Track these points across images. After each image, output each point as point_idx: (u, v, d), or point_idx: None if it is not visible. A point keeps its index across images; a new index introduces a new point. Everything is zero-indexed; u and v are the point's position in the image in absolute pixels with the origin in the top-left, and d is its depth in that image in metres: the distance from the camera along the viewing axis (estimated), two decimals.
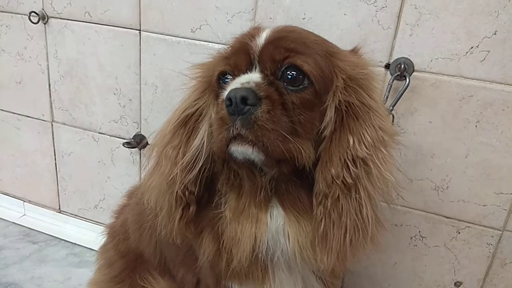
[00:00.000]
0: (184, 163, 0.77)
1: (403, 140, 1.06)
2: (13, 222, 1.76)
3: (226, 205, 0.79)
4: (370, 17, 1.06)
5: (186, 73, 0.83)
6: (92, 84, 1.47)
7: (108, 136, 1.52)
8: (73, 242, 1.65)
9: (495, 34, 0.97)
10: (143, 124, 1.45)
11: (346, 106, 0.70)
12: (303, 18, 1.12)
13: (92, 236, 1.47)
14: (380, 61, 1.08)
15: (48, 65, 1.52)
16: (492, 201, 1.09)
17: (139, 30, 1.33)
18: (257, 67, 0.71)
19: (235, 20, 1.20)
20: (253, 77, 0.69)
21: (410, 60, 1.05)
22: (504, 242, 1.12)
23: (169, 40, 1.30)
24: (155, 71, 1.35)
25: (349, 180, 0.68)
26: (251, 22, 1.18)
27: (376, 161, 0.69)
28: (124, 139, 1.49)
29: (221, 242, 0.79)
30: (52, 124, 1.61)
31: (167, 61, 1.32)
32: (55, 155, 1.66)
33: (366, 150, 0.68)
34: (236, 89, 0.65)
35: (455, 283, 1.21)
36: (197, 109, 0.80)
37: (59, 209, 1.76)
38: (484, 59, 1.00)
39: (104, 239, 1.25)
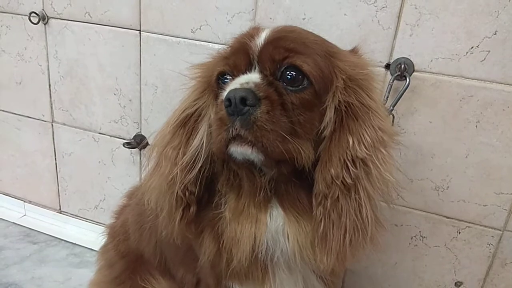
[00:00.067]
0: (184, 164, 0.77)
1: (403, 140, 1.06)
2: (14, 223, 1.76)
3: (226, 205, 0.79)
4: (370, 17, 1.06)
5: (186, 73, 0.83)
6: (92, 84, 1.47)
7: (108, 137, 1.52)
8: (74, 242, 1.65)
9: (495, 34, 0.97)
10: (143, 125, 1.45)
11: (345, 107, 0.70)
12: (303, 18, 1.12)
13: (93, 237, 1.47)
14: (380, 61, 1.08)
15: (48, 65, 1.52)
16: (492, 201, 1.09)
17: (139, 30, 1.33)
18: (257, 67, 0.71)
19: (235, 20, 1.20)
20: (253, 77, 0.69)
21: (410, 60, 1.05)
22: (505, 242, 1.12)
23: (169, 40, 1.30)
24: (155, 71, 1.35)
25: (349, 181, 0.68)
26: (251, 23, 1.18)
27: (376, 161, 0.68)
28: (124, 139, 1.49)
29: (221, 242, 0.79)
30: (52, 125, 1.61)
31: (167, 62, 1.32)
32: (55, 156, 1.66)
33: (366, 151, 0.68)
34: (235, 89, 0.65)
35: (455, 283, 1.21)
36: (196, 109, 0.80)
37: (60, 209, 1.76)
38: (484, 59, 1.00)
39: (104, 240, 1.25)
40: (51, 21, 1.45)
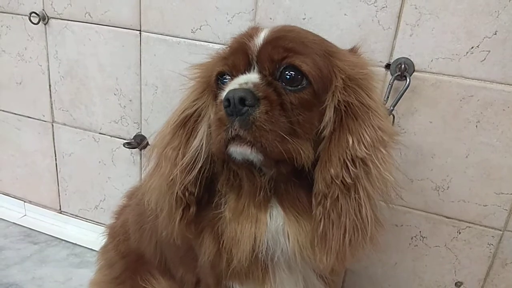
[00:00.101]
0: (183, 164, 0.77)
1: (404, 140, 1.06)
2: (14, 223, 1.76)
3: (225, 205, 0.79)
4: (370, 17, 1.06)
5: (185, 73, 0.83)
6: (93, 84, 1.47)
7: (109, 137, 1.52)
8: (74, 242, 1.66)
9: (495, 34, 0.97)
10: (144, 125, 1.45)
11: (345, 106, 0.70)
12: (303, 18, 1.12)
13: (93, 237, 1.47)
14: (381, 61, 1.08)
15: (48, 65, 1.52)
16: (492, 201, 1.09)
17: (140, 30, 1.33)
18: (256, 67, 0.71)
19: (235, 20, 1.20)
20: (252, 77, 0.69)
21: (411, 60, 1.05)
22: (505, 242, 1.12)
23: (169, 40, 1.30)
24: (155, 71, 1.35)
25: (348, 180, 0.68)
26: (251, 23, 1.18)
27: (376, 161, 0.68)
28: (124, 139, 1.49)
29: (221, 242, 0.79)
30: (52, 125, 1.61)
31: (168, 62, 1.32)
32: (55, 156, 1.66)
33: (366, 150, 0.68)
34: (234, 89, 0.65)
35: (455, 283, 1.21)
36: (196, 110, 0.80)
37: (60, 209, 1.76)
38: (485, 59, 1.00)
39: (104, 240, 1.25)
40: (51, 21, 1.45)
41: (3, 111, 1.68)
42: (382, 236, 0.75)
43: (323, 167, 0.70)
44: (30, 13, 1.43)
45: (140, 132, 1.46)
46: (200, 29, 1.25)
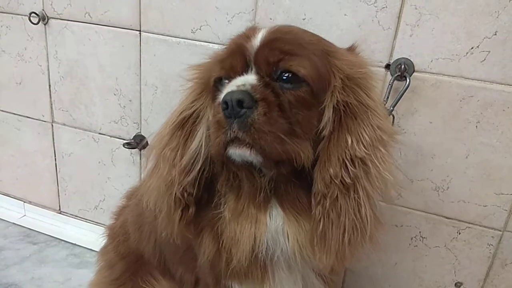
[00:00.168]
0: (182, 166, 0.77)
1: (404, 141, 1.07)
2: (13, 223, 1.76)
3: (225, 206, 0.79)
4: (370, 18, 1.06)
5: (184, 74, 0.83)
6: (92, 84, 1.47)
7: (108, 137, 1.52)
8: (73, 243, 1.65)
9: (495, 34, 0.97)
10: (143, 125, 1.45)
11: (344, 106, 0.70)
12: (303, 19, 1.12)
13: (93, 237, 1.47)
14: (381, 62, 1.08)
15: (48, 65, 1.52)
16: (492, 202, 1.09)
17: (139, 30, 1.33)
18: (253, 69, 0.71)
19: (235, 20, 1.20)
20: (249, 79, 0.69)
21: (411, 61, 1.05)
22: (505, 243, 1.12)
23: (169, 40, 1.30)
24: (155, 71, 1.35)
25: (348, 180, 0.68)
26: (251, 23, 1.18)
27: (375, 160, 0.68)
28: (124, 139, 1.49)
29: (221, 242, 0.79)
30: (52, 125, 1.61)
31: (167, 62, 1.32)
32: (55, 156, 1.66)
33: (365, 150, 0.68)
34: (232, 92, 0.65)
35: (455, 284, 1.21)
36: (194, 111, 0.80)
37: (59, 209, 1.76)
38: (485, 59, 1.00)
39: (104, 241, 1.25)
40: (51, 21, 1.45)
41: (3, 111, 1.68)
42: (382, 235, 0.75)
43: (322, 167, 0.70)
44: (30, 13, 1.43)
45: (140, 132, 1.46)
46: (200, 29, 1.25)
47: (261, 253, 0.76)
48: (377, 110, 0.71)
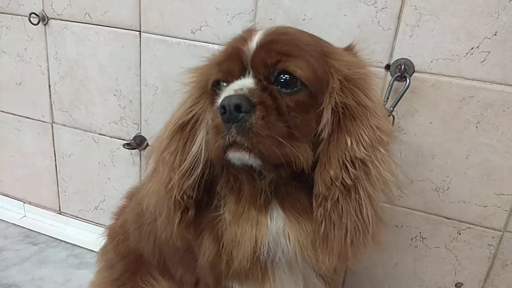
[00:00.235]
0: (182, 170, 0.77)
1: (404, 141, 1.07)
2: (13, 224, 1.76)
3: (225, 208, 0.78)
4: (370, 18, 1.06)
5: (181, 78, 0.83)
6: (92, 85, 1.47)
7: (108, 137, 1.52)
8: (74, 243, 1.65)
9: (495, 35, 0.97)
10: (143, 125, 1.45)
11: (342, 108, 0.70)
12: (303, 19, 1.12)
13: (93, 238, 1.46)
14: (381, 62, 1.08)
15: (48, 66, 1.52)
16: (492, 202, 1.09)
17: (139, 31, 1.33)
18: (250, 72, 0.70)
19: (235, 21, 1.20)
20: (246, 83, 0.69)
21: (411, 61, 1.05)
22: (505, 243, 1.12)
23: (169, 41, 1.30)
24: (155, 72, 1.35)
25: (348, 182, 0.68)
26: (251, 23, 1.18)
27: (375, 161, 0.68)
28: (124, 140, 1.48)
29: (221, 243, 0.79)
30: (52, 125, 1.61)
31: (167, 62, 1.32)
32: (55, 156, 1.66)
33: (365, 151, 0.68)
34: (229, 96, 0.65)
35: (455, 284, 1.21)
36: (193, 116, 0.80)
37: (59, 210, 1.76)
38: (485, 60, 1.00)
39: (104, 241, 1.25)
40: (51, 21, 1.44)
41: (3, 112, 1.68)
42: (383, 234, 0.75)
43: (323, 169, 0.69)
44: (30, 14, 1.43)
45: (140, 133, 1.46)
46: (200, 29, 1.25)
47: (262, 254, 0.76)
48: (376, 111, 0.71)
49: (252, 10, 1.17)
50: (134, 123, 1.46)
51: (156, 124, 1.40)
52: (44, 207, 1.78)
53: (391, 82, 1.04)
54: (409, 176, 1.13)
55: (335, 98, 0.70)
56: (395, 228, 1.20)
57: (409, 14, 1.02)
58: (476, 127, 1.05)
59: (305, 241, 0.74)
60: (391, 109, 1.02)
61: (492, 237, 1.12)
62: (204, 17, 1.23)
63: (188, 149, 0.79)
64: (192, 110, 0.80)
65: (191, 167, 0.78)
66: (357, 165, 0.68)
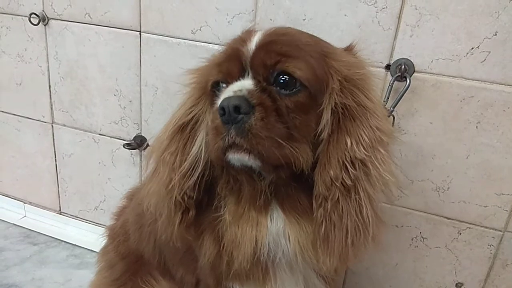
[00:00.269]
0: (183, 171, 0.77)
1: (404, 141, 1.07)
2: (14, 224, 1.76)
3: (225, 209, 0.78)
4: (371, 18, 1.06)
5: (181, 79, 0.83)
6: (93, 85, 1.47)
7: (109, 138, 1.52)
8: (74, 243, 1.65)
9: (495, 35, 0.97)
10: (144, 126, 1.45)
11: (342, 108, 0.69)
12: (303, 19, 1.12)
13: (93, 238, 1.47)
14: (381, 62, 1.07)
15: (48, 66, 1.52)
16: (493, 202, 1.09)
17: (140, 31, 1.33)
18: (250, 73, 0.70)
19: (236, 21, 1.20)
20: (246, 84, 0.69)
21: (411, 61, 1.05)
22: (506, 243, 1.12)
23: (170, 41, 1.30)
24: (155, 72, 1.35)
25: (348, 182, 0.68)
26: (252, 23, 1.18)
27: (375, 161, 0.68)
28: (124, 140, 1.48)
29: (222, 244, 0.79)
30: (52, 126, 1.61)
31: (168, 63, 1.32)
32: (55, 157, 1.66)
33: (364, 152, 0.68)
34: (229, 97, 0.65)
35: (456, 284, 1.21)
36: (193, 117, 0.80)
37: (60, 210, 1.76)
38: (485, 60, 1.00)
39: (104, 241, 1.25)
40: (51, 22, 1.44)
41: (3, 112, 1.68)
42: (384, 235, 0.75)
43: (323, 170, 0.69)
44: (30, 14, 1.43)
45: (140, 133, 1.46)
46: (200, 30, 1.25)
47: (263, 255, 0.76)
48: (376, 111, 0.71)
49: (252, 10, 1.17)
50: (134, 123, 1.46)
51: (156, 124, 1.40)
52: (44, 207, 1.78)
53: (391, 82, 1.04)
54: (409, 176, 1.13)
55: (335, 98, 0.70)
56: (395, 228, 1.20)
57: (409, 14, 1.02)
58: (476, 127, 1.05)
59: (305, 242, 0.74)
60: (391, 109, 1.02)
61: (493, 237, 1.12)
62: (204, 17, 1.23)
63: (188, 150, 0.79)
64: (192, 111, 0.80)
65: (192, 167, 0.78)
66: (357, 166, 0.68)
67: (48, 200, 1.75)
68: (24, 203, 1.81)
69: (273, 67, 0.68)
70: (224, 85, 0.73)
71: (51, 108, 1.58)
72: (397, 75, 1.04)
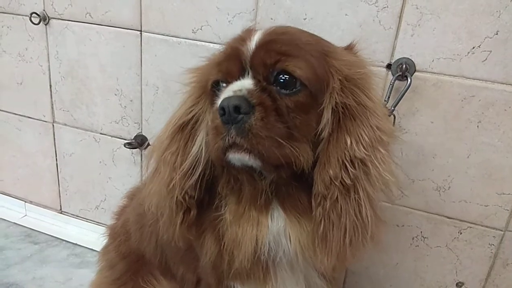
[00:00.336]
0: (184, 170, 0.77)
1: (405, 141, 1.07)
2: (15, 223, 1.76)
3: (226, 208, 0.78)
4: (371, 18, 1.06)
5: (182, 78, 0.83)
6: (93, 84, 1.47)
7: (109, 137, 1.52)
8: (74, 242, 1.66)
9: (496, 34, 0.97)
10: (144, 125, 1.45)
11: (343, 108, 0.69)
12: (304, 19, 1.12)
13: (93, 237, 1.47)
14: (382, 61, 1.07)
15: (49, 66, 1.52)
16: (494, 202, 1.09)
17: (140, 31, 1.33)
18: (250, 73, 0.70)
19: (236, 20, 1.20)
20: (246, 83, 0.69)
21: (412, 60, 1.05)
22: (506, 243, 1.12)
23: (170, 41, 1.30)
24: (156, 71, 1.35)
25: (348, 181, 0.67)
26: (252, 23, 1.18)
27: (375, 161, 0.68)
28: (125, 139, 1.49)
29: (223, 243, 0.79)
30: (53, 125, 1.61)
31: (168, 62, 1.32)
32: (56, 156, 1.66)
33: (364, 151, 0.68)
34: (228, 97, 0.65)
35: (457, 284, 1.21)
36: (193, 116, 0.79)
37: (60, 209, 1.76)
38: (486, 59, 0.99)
39: (105, 241, 1.25)
40: (52, 21, 1.45)
41: (4, 111, 1.69)
42: (384, 234, 0.75)
43: (322, 169, 0.69)
44: (31, 14, 1.43)
45: (141, 132, 1.46)
46: (201, 29, 1.25)
47: (263, 254, 0.76)
48: (376, 111, 0.71)
49: (253, 10, 1.17)
50: (135, 123, 1.46)
51: (157, 123, 1.40)
52: (45, 207, 1.78)
53: (392, 81, 1.04)
54: (410, 176, 1.13)
55: (335, 98, 0.69)
56: (396, 227, 1.20)
57: (410, 14, 1.02)
58: (477, 126, 1.05)
59: (306, 241, 0.74)
60: (392, 108, 1.02)
61: (493, 236, 1.12)
62: (205, 17, 1.23)
63: (188, 149, 0.79)
64: (192, 110, 0.80)
65: (192, 167, 0.78)
66: (356, 165, 0.68)
67: (49, 199, 1.76)
68: (25, 202, 1.81)
69: (273, 67, 0.68)
70: (224, 84, 0.72)
71: (52, 108, 1.58)
72: (398, 74, 1.04)
